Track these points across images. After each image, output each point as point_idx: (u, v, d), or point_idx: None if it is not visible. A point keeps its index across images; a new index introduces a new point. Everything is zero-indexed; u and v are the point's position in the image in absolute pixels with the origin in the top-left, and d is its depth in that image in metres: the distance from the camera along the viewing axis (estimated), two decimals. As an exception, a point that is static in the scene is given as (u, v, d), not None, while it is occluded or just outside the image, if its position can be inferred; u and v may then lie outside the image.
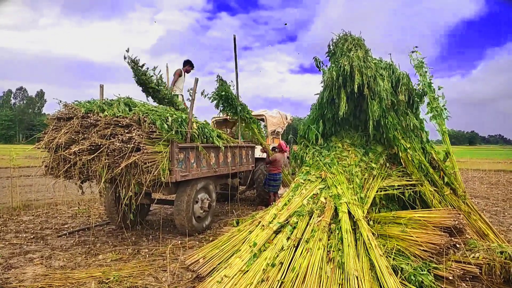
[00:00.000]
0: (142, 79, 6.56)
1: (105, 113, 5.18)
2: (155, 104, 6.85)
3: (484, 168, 21.42)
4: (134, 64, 6.43)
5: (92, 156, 5.04)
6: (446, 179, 5.19)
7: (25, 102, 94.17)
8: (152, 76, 6.70)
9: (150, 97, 6.92)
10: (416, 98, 5.23)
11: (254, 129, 8.44)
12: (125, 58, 6.37)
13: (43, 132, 5.50)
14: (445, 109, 5.53)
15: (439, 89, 5.54)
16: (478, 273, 3.53)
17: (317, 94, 5.69)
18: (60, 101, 5.62)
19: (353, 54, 4.98)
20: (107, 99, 5.83)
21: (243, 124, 8.52)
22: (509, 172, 20.34)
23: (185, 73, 8.39)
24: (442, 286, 3.46)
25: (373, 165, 5.17)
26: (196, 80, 6.22)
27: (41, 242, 5.75)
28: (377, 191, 4.90)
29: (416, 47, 5.61)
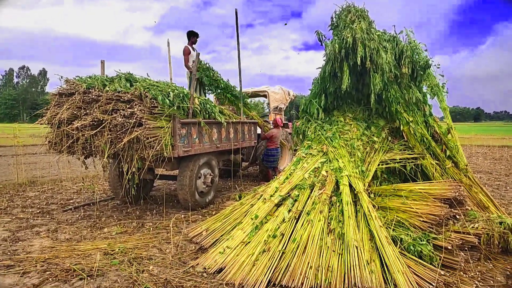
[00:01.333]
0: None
1: (106, 88, 5.17)
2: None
3: (488, 144, 21.34)
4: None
5: (95, 131, 5.07)
6: (448, 153, 5.18)
7: (28, 81, 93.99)
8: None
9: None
10: (419, 71, 5.16)
11: (238, 105, 8.12)
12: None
13: (45, 108, 5.52)
14: (443, 87, 5.51)
15: (437, 67, 5.50)
16: (476, 243, 3.58)
17: (319, 68, 5.64)
18: (62, 77, 5.61)
19: (356, 26, 4.88)
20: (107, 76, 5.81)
21: (226, 101, 8.32)
22: (513, 147, 20.25)
23: (193, 45, 8.08)
24: (441, 255, 3.52)
25: (375, 138, 5.16)
26: (198, 55, 6.17)
27: (47, 216, 5.86)
28: (378, 165, 4.91)
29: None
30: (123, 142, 4.89)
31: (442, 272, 3.41)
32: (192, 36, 7.97)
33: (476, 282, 3.46)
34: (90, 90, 5.24)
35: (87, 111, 5.19)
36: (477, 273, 3.57)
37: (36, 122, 5.44)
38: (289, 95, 10.79)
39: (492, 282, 3.51)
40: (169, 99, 5.27)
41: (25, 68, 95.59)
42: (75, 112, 5.22)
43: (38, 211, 6.12)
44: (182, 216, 5.80)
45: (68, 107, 5.23)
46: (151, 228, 5.22)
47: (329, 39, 5.70)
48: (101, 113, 5.05)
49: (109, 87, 5.18)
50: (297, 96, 13.87)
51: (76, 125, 5.09)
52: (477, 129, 43.47)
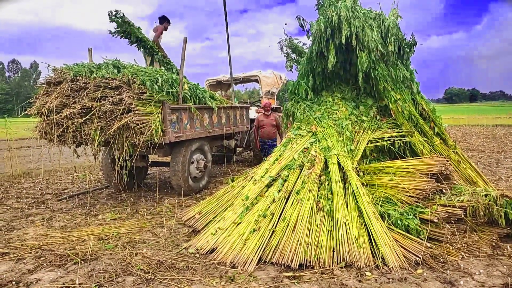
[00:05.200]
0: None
1: (93, 75, 5.15)
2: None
3: (483, 123, 21.40)
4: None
5: (84, 119, 5.07)
6: (436, 130, 5.23)
7: (19, 74, 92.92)
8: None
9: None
10: (406, 49, 5.17)
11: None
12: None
13: (34, 97, 5.51)
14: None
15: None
16: (462, 215, 3.65)
17: (306, 48, 5.63)
18: (49, 65, 5.58)
19: (341, 4, 4.87)
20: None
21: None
22: (507, 126, 20.32)
23: (164, 31, 8.03)
24: (427, 228, 3.59)
25: (364, 118, 5.19)
26: (185, 40, 6.13)
27: (42, 206, 5.91)
28: (367, 143, 4.94)
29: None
30: (113, 129, 4.91)
31: (429, 245, 3.49)
32: (166, 22, 7.93)
33: (462, 253, 3.54)
34: (78, 77, 5.22)
35: (76, 99, 5.18)
36: (463, 245, 3.63)
37: (25, 111, 5.44)
38: (281, 79, 10.76)
39: (478, 252, 3.60)
40: (157, 85, 5.28)
41: (15, 62, 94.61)
42: (63, 101, 5.21)
43: (33, 201, 6.16)
44: (176, 201, 5.86)
45: (56, 95, 5.22)
46: (145, 214, 5.28)
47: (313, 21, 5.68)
48: (90, 100, 5.04)
49: (96, 74, 5.16)
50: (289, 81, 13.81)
51: (65, 114, 5.09)
52: (472, 110, 43.24)
